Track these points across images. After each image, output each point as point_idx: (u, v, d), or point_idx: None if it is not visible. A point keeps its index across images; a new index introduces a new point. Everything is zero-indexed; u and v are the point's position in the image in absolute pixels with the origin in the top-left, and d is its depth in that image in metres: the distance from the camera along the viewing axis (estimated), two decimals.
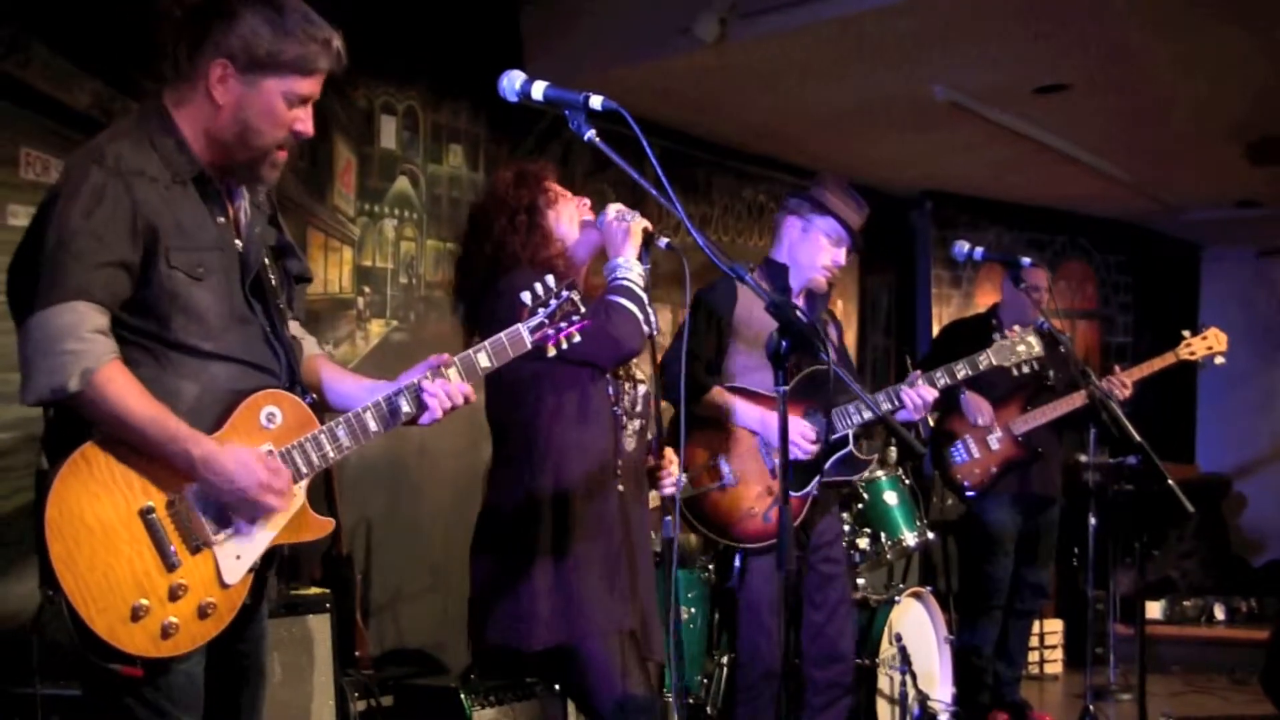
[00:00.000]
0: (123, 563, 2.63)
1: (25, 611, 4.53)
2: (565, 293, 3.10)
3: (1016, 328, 5.15)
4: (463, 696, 5.21)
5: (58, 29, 5.03)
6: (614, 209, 3.71)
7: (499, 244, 3.72)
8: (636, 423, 3.84)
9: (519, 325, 3.09)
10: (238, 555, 2.77)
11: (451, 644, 6.62)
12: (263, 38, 2.76)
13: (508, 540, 3.70)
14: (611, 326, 3.52)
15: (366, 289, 6.39)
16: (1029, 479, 6.59)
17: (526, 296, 3.10)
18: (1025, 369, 5.19)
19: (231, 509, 2.75)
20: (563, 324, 3.10)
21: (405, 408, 2.97)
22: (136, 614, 2.62)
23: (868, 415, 4.68)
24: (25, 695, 4.26)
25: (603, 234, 3.73)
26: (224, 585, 2.75)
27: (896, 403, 4.79)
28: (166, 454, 2.66)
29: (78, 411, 2.64)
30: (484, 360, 3.06)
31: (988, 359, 4.99)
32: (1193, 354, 6.21)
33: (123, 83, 5.20)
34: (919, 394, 4.79)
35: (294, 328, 3.14)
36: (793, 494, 4.61)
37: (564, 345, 3.12)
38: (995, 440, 6.51)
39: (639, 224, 3.68)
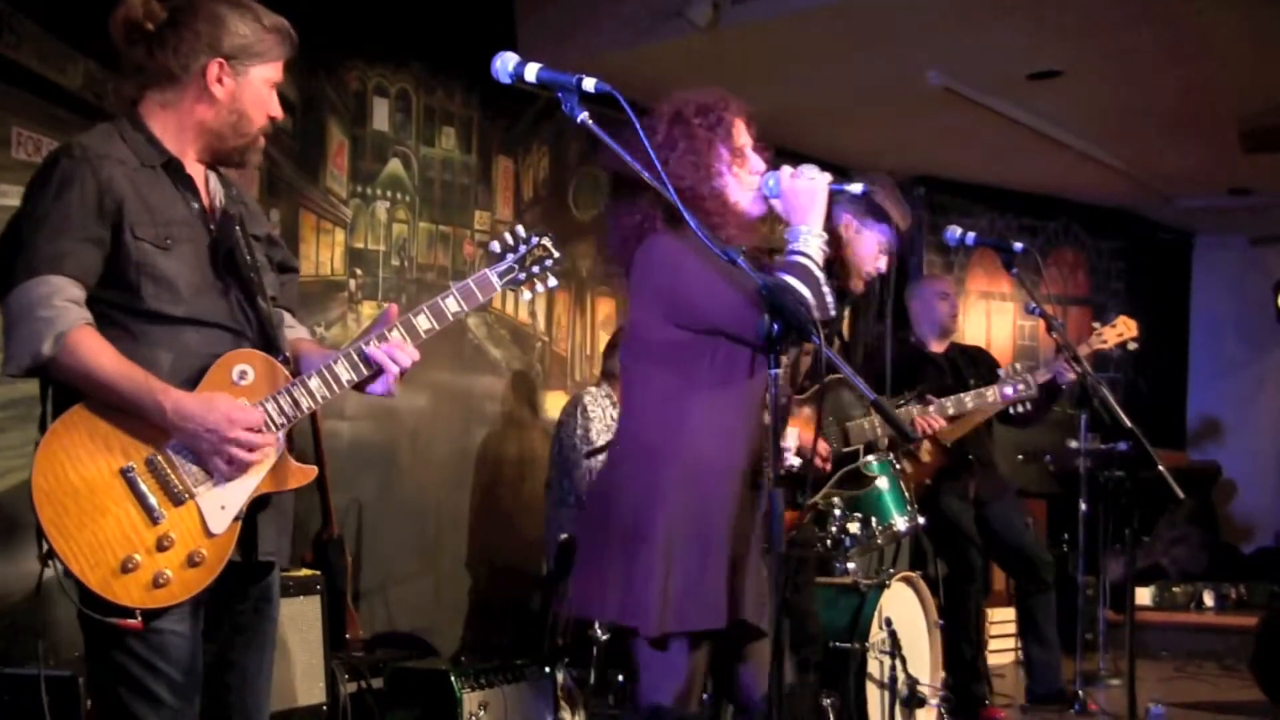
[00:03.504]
0: (109, 520, 2.76)
1: (12, 593, 4.55)
2: (535, 238, 3.13)
3: (1017, 365, 5.45)
4: (453, 679, 5.23)
5: (50, 8, 5.02)
6: (788, 171, 3.44)
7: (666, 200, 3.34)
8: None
9: (487, 270, 3.10)
10: (222, 505, 2.86)
11: (442, 626, 6.63)
12: (247, 34, 2.99)
13: (627, 520, 3.34)
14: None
15: (358, 271, 6.38)
16: (967, 485, 6.61)
17: (496, 244, 3.10)
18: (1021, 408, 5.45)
19: (209, 456, 2.83)
20: (534, 268, 3.13)
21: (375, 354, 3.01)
22: (126, 567, 2.75)
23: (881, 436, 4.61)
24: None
25: (780, 201, 3.45)
26: (210, 534, 2.84)
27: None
28: (140, 407, 2.77)
29: (55, 377, 2.79)
30: (453, 305, 3.07)
31: (995, 393, 5.25)
32: (1104, 343, 6.21)
33: (115, 63, 5.17)
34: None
35: (284, 318, 3.22)
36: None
37: (538, 288, 3.14)
38: (926, 454, 6.47)
39: (822, 180, 3.42)
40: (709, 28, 6.36)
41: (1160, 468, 4.82)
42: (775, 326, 2.79)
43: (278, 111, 3.08)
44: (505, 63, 2.93)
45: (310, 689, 4.99)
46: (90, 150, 2.85)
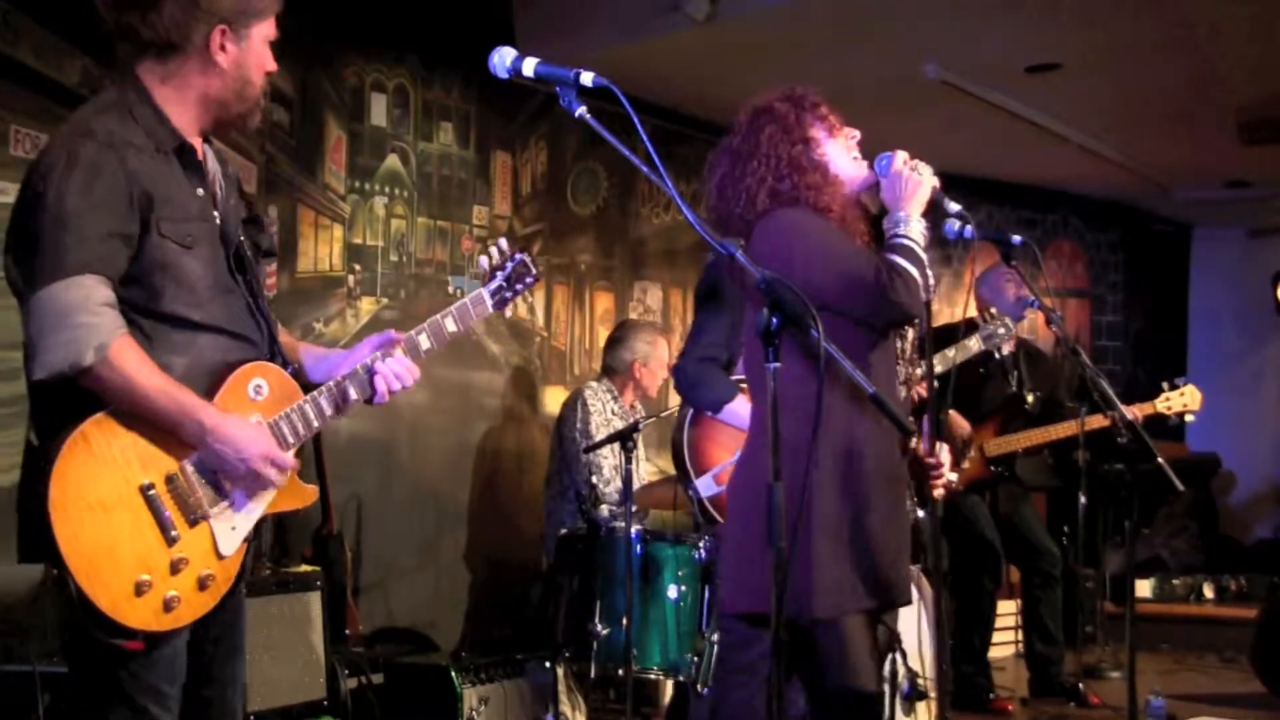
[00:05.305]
0: (125, 539, 2.65)
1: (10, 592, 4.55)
2: (519, 255, 3.26)
3: (994, 310, 5.34)
4: (454, 674, 5.23)
5: (47, 6, 5.01)
6: (903, 156, 3.64)
7: (767, 181, 3.54)
8: (903, 390, 3.69)
9: (481, 289, 3.22)
10: (233, 526, 2.81)
11: (442, 621, 6.63)
12: None
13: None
14: (892, 290, 3.34)
15: (357, 267, 6.38)
16: (985, 498, 6.63)
17: (485, 261, 3.23)
18: (1003, 351, 5.36)
19: (231, 480, 2.78)
20: (518, 285, 3.26)
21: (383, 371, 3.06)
22: (140, 589, 2.65)
23: None
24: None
25: (886, 182, 3.62)
26: (220, 556, 2.78)
27: None
28: (176, 424, 2.68)
29: (88, 386, 2.63)
30: (450, 325, 3.16)
31: (977, 341, 5.16)
32: (1168, 408, 6.27)
33: (112, 59, 5.17)
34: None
35: None
36: None
37: (519, 304, 3.26)
38: (966, 461, 6.46)
39: (930, 180, 3.60)
40: (706, 21, 6.35)
41: (1160, 460, 4.81)
42: (774, 320, 2.78)
43: (273, 64, 2.97)
44: (503, 57, 2.91)
45: (310, 684, 4.99)
46: (115, 136, 2.70)
